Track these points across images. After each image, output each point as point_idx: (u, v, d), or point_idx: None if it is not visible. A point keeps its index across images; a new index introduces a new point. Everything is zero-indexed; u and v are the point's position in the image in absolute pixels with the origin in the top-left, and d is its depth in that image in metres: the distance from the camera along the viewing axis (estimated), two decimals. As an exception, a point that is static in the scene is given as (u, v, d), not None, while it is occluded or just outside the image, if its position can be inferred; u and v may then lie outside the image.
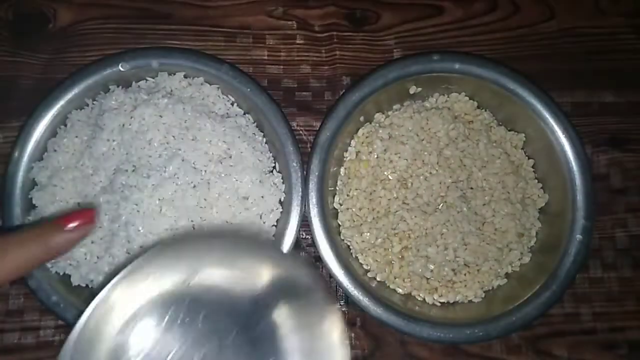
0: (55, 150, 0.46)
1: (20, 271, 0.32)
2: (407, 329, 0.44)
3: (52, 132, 0.46)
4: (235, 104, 0.49)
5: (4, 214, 0.44)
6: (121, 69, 0.47)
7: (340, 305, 0.49)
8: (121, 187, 0.42)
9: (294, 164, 0.46)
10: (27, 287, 0.43)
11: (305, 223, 0.47)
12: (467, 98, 0.50)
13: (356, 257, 0.48)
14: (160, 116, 0.44)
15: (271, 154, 0.48)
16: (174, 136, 0.44)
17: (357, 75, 0.53)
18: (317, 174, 0.46)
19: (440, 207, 0.47)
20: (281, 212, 0.47)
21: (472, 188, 0.48)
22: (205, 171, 0.44)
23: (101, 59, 0.48)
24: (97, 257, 0.43)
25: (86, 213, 0.36)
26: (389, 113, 0.50)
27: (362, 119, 0.50)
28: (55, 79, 0.50)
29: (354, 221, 0.48)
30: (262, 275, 0.36)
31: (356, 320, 0.49)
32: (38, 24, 0.53)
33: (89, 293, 0.45)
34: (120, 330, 0.33)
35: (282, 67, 0.54)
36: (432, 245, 0.46)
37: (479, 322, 0.44)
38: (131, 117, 0.44)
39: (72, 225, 0.34)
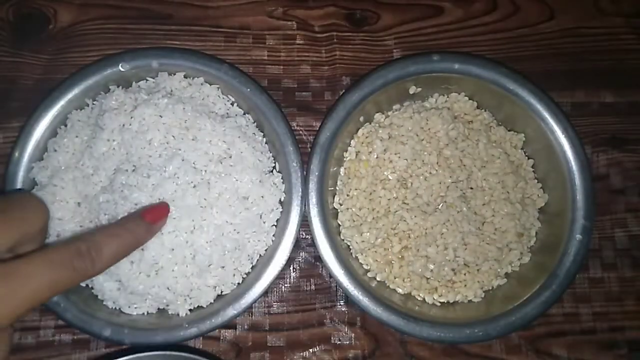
0: (55, 150, 0.46)
1: (117, 259, 0.36)
2: (407, 328, 0.44)
3: (53, 132, 0.46)
4: (235, 104, 0.49)
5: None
6: (121, 69, 0.47)
7: (340, 305, 0.49)
8: (121, 186, 0.42)
9: (294, 164, 0.46)
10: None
11: (305, 223, 0.47)
12: (466, 98, 0.50)
13: (356, 257, 0.48)
14: (161, 116, 0.44)
15: (271, 154, 0.48)
16: (174, 136, 0.44)
17: (357, 75, 0.53)
18: (317, 174, 0.46)
19: (440, 207, 0.47)
20: (281, 212, 0.47)
21: (471, 188, 0.48)
22: (205, 171, 0.44)
23: (101, 59, 0.48)
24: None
25: (164, 207, 0.41)
26: (389, 113, 0.50)
27: (361, 119, 0.50)
28: (56, 79, 0.50)
29: (353, 221, 0.48)
30: None
31: (356, 320, 0.49)
32: (38, 24, 0.53)
33: (89, 293, 0.45)
34: None
35: (282, 67, 0.54)
36: (431, 245, 0.46)
37: (478, 322, 0.44)
38: (131, 117, 0.44)
39: (154, 218, 0.40)
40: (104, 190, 0.43)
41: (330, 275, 0.46)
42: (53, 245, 0.33)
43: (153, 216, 0.40)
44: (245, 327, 0.48)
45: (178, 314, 0.44)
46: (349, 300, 0.49)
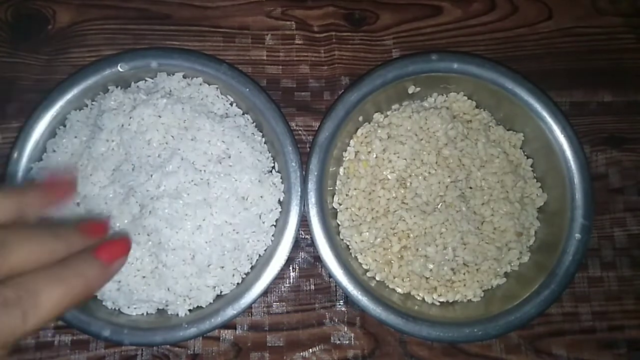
0: (54, 151, 0.46)
1: (59, 312, 0.26)
2: (406, 328, 0.44)
3: (52, 133, 0.46)
4: (234, 104, 0.49)
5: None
6: (120, 70, 0.47)
7: (340, 305, 0.49)
8: (125, 180, 0.42)
9: (293, 164, 0.46)
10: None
11: (304, 223, 0.47)
12: (465, 98, 0.50)
13: (355, 257, 0.48)
14: (159, 116, 0.44)
15: (270, 154, 0.48)
16: (173, 136, 0.44)
17: (356, 75, 0.53)
18: (316, 173, 0.46)
19: (439, 206, 0.47)
20: (280, 212, 0.47)
21: (471, 187, 0.48)
22: (205, 171, 0.44)
23: (100, 59, 0.48)
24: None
25: (124, 243, 0.30)
26: (388, 113, 0.50)
27: (360, 118, 0.50)
28: (55, 80, 0.50)
29: (353, 221, 0.48)
30: None
31: (356, 320, 0.49)
32: (37, 25, 0.53)
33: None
34: None
35: (281, 67, 0.54)
36: (431, 245, 0.46)
37: (478, 321, 0.44)
38: (130, 118, 0.44)
39: (110, 256, 0.29)
40: (112, 182, 0.43)
41: (330, 275, 0.46)
42: None
43: (110, 254, 0.29)
44: (245, 327, 0.48)
45: (177, 314, 0.44)
46: (348, 300, 0.49)
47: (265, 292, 0.46)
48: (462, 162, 0.48)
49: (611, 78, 0.55)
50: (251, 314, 0.49)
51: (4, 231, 0.25)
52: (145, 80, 0.48)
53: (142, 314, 0.45)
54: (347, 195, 0.49)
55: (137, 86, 0.48)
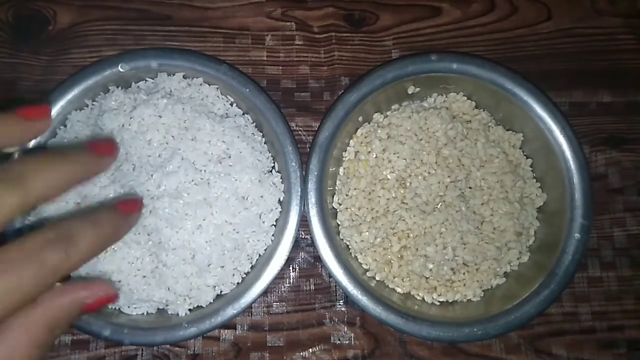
0: (55, 151, 0.46)
1: (95, 252, 0.28)
2: (406, 328, 0.44)
3: (52, 133, 0.46)
4: (235, 104, 0.49)
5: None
6: (121, 70, 0.47)
7: (340, 304, 0.49)
8: (125, 179, 0.42)
9: (293, 164, 0.46)
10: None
11: (304, 223, 0.47)
12: (465, 98, 0.51)
13: (355, 257, 0.48)
14: (160, 116, 0.44)
15: (270, 154, 0.48)
16: (173, 136, 0.44)
17: (356, 75, 0.54)
18: (316, 173, 0.46)
19: (439, 206, 0.47)
20: (280, 212, 0.47)
21: (470, 187, 0.48)
22: (205, 171, 0.44)
23: (101, 60, 0.48)
24: (96, 258, 0.43)
25: (138, 199, 0.38)
26: (388, 113, 0.50)
27: (360, 119, 0.50)
28: (55, 80, 0.50)
29: (353, 221, 0.48)
30: None
31: (355, 320, 0.49)
32: (38, 25, 0.53)
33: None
34: None
35: (281, 67, 0.54)
36: (431, 245, 0.46)
37: (477, 321, 0.44)
38: (130, 118, 0.44)
39: (128, 209, 0.33)
40: (113, 182, 0.43)
41: (330, 275, 0.46)
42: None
43: (127, 207, 0.33)
44: (245, 327, 0.49)
45: (177, 314, 0.44)
46: (348, 299, 0.49)
47: (265, 292, 0.46)
48: (462, 162, 0.48)
49: (611, 78, 0.55)
50: (251, 314, 0.49)
51: (19, 165, 0.27)
52: (146, 81, 0.48)
53: (142, 313, 0.45)
54: (347, 195, 0.49)
55: (138, 86, 0.48)
